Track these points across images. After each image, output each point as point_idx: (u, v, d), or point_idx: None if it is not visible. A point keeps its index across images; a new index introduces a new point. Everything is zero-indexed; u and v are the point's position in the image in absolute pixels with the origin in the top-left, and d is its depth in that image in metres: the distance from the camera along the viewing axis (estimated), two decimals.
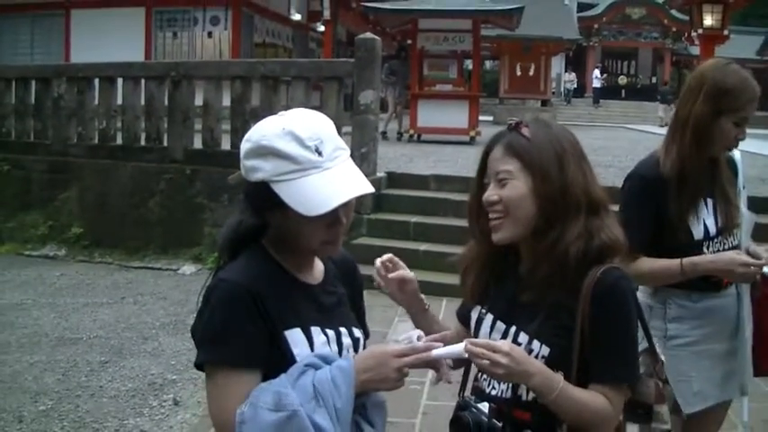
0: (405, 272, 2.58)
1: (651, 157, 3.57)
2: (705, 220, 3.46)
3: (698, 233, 3.44)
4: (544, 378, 2.22)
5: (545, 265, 2.33)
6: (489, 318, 2.49)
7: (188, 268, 10.80)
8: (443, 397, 2.46)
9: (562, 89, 46.31)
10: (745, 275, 3.35)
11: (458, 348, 2.17)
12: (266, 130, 2.12)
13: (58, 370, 6.83)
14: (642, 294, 3.59)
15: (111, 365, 6.99)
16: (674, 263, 3.38)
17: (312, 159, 2.08)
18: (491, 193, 2.37)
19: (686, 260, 3.37)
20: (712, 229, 3.45)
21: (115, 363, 7.06)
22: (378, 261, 2.58)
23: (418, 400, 5.98)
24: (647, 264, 3.42)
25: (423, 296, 2.64)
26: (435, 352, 2.13)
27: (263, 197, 2.12)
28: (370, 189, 2.16)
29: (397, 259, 2.59)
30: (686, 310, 3.53)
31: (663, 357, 2.56)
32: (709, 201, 3.48)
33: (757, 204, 3.70)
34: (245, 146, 2.16)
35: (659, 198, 3.41)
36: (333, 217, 2.12)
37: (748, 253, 3.41)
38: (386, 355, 2.08)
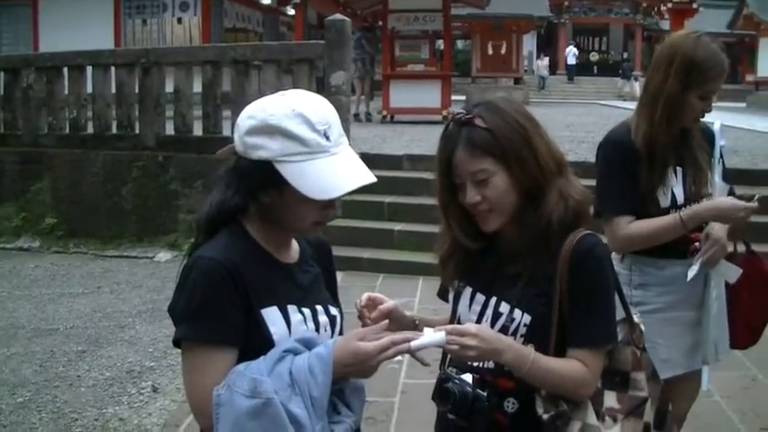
0: (384, 306, 2.47)
1: (623, 125, 3.61)
2: (673, 188, 3.49)
3: (664, 201, 3.47)
4: (515, 353, 2.25)
5: (531, 237, 2.36)
6: (468, 290, 2.50)
7: (163, 255, 10.75)
8: (421, 375, 2.49)
9: (535, 76, 45.48)
10: (744, 219, 3.42)
11: (435, 337, 2.18)
12: (274, 109, 2.11)
13: (35, 361, 6.80)
14: None
15: (89, 355, 6.97)
16: (672, 218, 3.42)
17: (321, 143, 2.10)
18: (473, 196, 2.36)
19: (683, 212, 3.41)
20: (680, 198, 3.49)
21: (92, 352, 7.04)
22: (358, 307, 2.47)
23: (396, 378, 6.04)
24: (644, 225, 3.46)
25: (408, 313, 2.59)
26: (414, 343, 2.13)
27: (263, 176, 2.11)
28: (374, 179, 2.19)
29: (372, 296, 2.50)
30: (652, 277, 3.57)
31: (643, 327, 2.58)
32: (679, 169, 3.52)
33: (730, 176, 3.73)
34: (247, 122, 2.13)
35: (633, 164, 3.44)
36: (328, 200, 2.14)
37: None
38: (366, 354, 2.07)
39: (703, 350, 3.65)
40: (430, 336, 2.18)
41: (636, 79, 42.22)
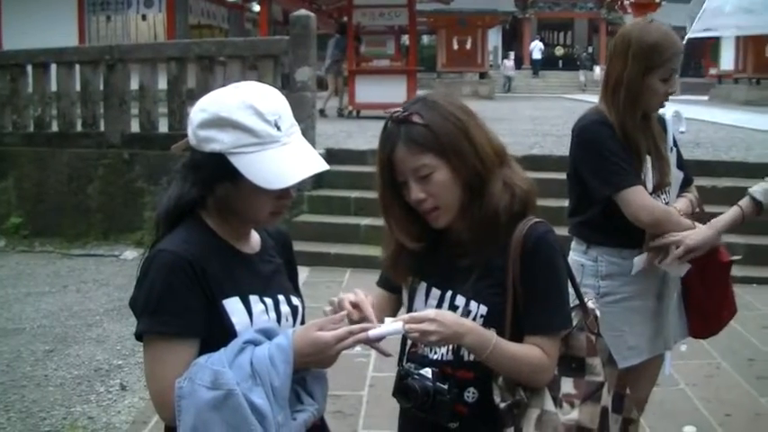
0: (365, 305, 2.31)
1: (595, 110, 3.63)
2: (645, 176, 3.54)
3: (648, 186, 3.53)
4: (477, 336, 2.27)
5: (479, 228, 2.37)
6: (423, 286, 2.51)
7: (130, 253, 10.70)
8: (389, 368, 2.51)
9: (501, 75, 44.76)
10: None
11: (393, 327, 2.19)
12: (225, 102, 2.12)
13: (1, 361, 6.76)
14: (574, 253, 3.71)
15: (56, 354, 6.94)
16: (690, 223, 3.55)
17: (272, 134, 2.11)
18: (417, 193, 2.37)
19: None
20: (649, 186, 3.53)
21: (60, 351, 7.01)
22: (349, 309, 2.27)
23: (364, 372, 6.09)
24: (663, 206, 3.55)
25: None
26: (372, 333, 2.14)
27: (216, 168, 2.13)
28: (326, 166, 2.20)
29: (345, 307, 2.29)
30: (617, 267, 3.62)
31: (598, 312, 2.61)
32: (648, 158, 3.57)
33: (692, 167, 3.80)
34: (199, 115, 2.15)
35: (620, 145, 3.48)
36: (284, 189, 2.16)
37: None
38: (325, 343, 2.10)
39: (665, 336, 3.73)
40: (388, 325, 2.19)
41: (597, 63, 43.12)
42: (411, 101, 2.46)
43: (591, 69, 45.12)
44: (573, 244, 3.77)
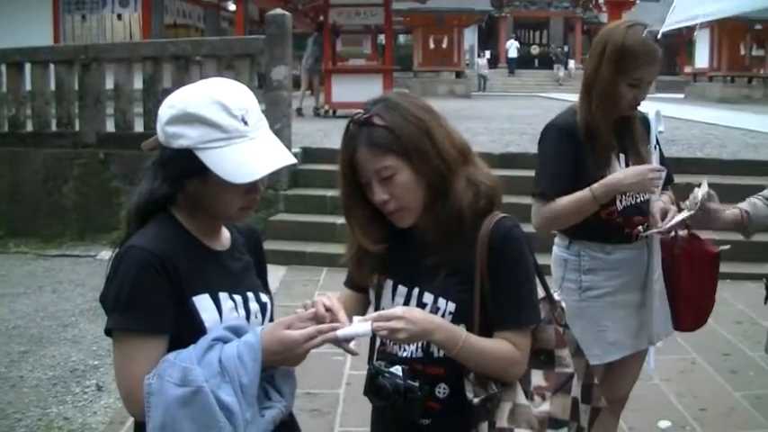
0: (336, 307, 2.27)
1: (570, 109, 3.65)
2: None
3: None
4: (446, 332, 2.28)
5: (444, 226, 2.38)
6: (389, 284, 2.52)
7: (106, 254, 10.61)
8: (366, 367, 2.53)
9: (475, 75, 44.47)
10: (653, 183, 3.42)
11: (362, 328, 2.19)
12: (192, 98, 2.14)
13: None
14: (557, 248, 3.73)
15: (32, 355, 6.90)
16: (583, 192, 3.43)
17: (239, 128, 2.12)
18: (380, 194, 2.37)
19: (595, 184, 3.42)
20: None
21: (35, 352, 6.97)
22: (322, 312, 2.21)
23: (341, 370, 6.08)
24: (561, 200, 3.47)
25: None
26: (340, 332, 2.14)
27: (185, 164, 2.14)
28: (294, 160, 2.21)
29: (318, 310, 2.22)
30: (600, 262, 3.63)
31: (563, 304, 2.62)
32: (622, 156, 3.58)
33: (667, 164, 3.81)
34: (167, 112, 2.16)
35: (576, 149, 3.48)
36: (252, 184, 2.16)
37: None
38: (293, 342, 2.11)
39: (648, 331, 3.73)
40: (357, 325, 2.19)
41: (569, 57, 43.52)
42: (372, 101, 2.45)
43: (566, 66, 45.46)
44: (556, 239, 3.79)
